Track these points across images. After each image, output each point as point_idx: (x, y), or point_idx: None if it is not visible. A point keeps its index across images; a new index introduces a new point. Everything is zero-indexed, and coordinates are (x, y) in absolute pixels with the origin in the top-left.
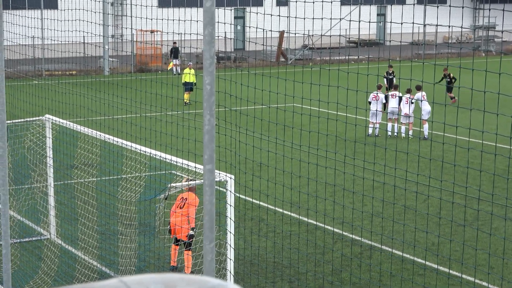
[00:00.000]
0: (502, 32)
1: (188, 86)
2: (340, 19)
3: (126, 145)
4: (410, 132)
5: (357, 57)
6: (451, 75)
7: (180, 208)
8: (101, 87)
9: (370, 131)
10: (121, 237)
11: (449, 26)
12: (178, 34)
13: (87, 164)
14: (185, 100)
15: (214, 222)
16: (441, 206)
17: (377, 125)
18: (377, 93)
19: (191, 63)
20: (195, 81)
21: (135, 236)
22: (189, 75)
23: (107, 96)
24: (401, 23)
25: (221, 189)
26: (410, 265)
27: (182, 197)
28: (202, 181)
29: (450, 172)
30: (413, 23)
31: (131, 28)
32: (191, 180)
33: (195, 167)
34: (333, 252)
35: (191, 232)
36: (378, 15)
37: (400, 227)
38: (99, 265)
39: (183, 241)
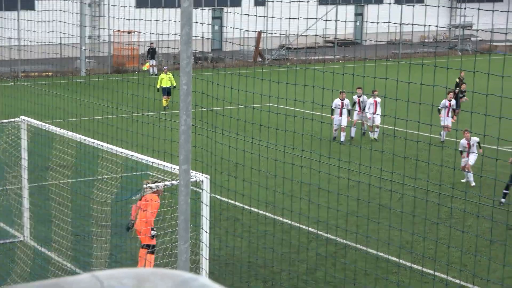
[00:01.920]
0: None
1: (166, 91)
2: (317, 19)
3: (102, 146)
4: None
5: (333, 56)
6: (464, 86)
7: (144, 210)
8: (77, 88)
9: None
10: (96, 238)
11: (424, 25)
12: (156, 34)
13: (62, 166)
14: (164, 105)
15: (189, 222)
16: (416, 204)
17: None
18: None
19: (166, 67)
20: (174, 84)
21: (110, 237)
22: (165, 80)
23: (84, 97)
24: (377, 23)
25: (197, 189)
26: (385, 263)
27: (146, 199)
28: (177, 181)
29: (425, 171)
30: (389, 22)
31: (108, 29)
32: (154, 182)
33: (171, 167)
34: (307, 251)
35: (153, 232)
36: (355, 14)
37: (374, 226)
38: (72, 267)
39: (147, 245)
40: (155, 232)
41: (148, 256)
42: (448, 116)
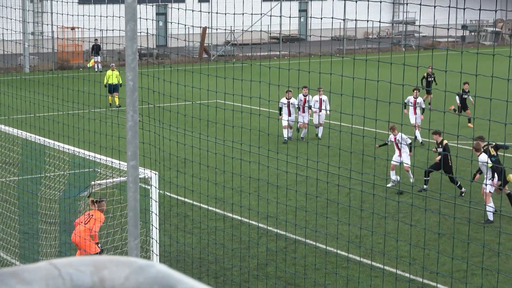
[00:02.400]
0: (419, 26)
1: (112, 88)
2: (262, 14)
3: (49, 143)
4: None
5: (279, 52)
6: (467, 86)
7: (85, 224)
8: (21, 85)
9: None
10: (43, 236)
11: (367, 21)
12: (100, 30)
13: (8, 163)
14: (110, 102)
15: (139, 219)
16: (363, 199)
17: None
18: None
19: (113, 64)
20: (120, 82)
21: (58, 234)
22: (111, 77)
23: (28, 94)
24: (321, 18)
25: (145, 186)
26: (334, 257)
27: (89, 214)
28: (126, 177)
29: (372, 166)
30: (332, 18)
31: (52, 25)
32: (99, 200)
33: (119, 163)
34: (258, 246)
35: (99, 249)
36: (299, 11)
37: (323, 221)
38: (21, 264)
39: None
40: (100, 248)
41: None
42: (415, 114)
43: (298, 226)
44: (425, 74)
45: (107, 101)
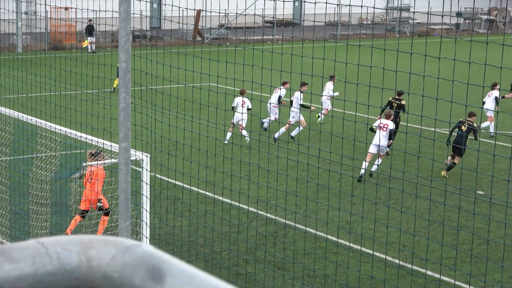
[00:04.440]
0: (413, 13)
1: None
2: None
3: (41, 123)
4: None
5: (272, 36)
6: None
7: (89, 181)
8: (14, 64)
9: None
10: (35, 216)
11: (361, 6)
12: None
13: (0, 143)
14: (114, 86)
15: (130, 201)
16: (354, 184)
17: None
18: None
19: None
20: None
21: (49, 215)
22: None
23: (21, 73)
24: (315, 3)
25: (137, 168)
26: (324, 243)
27: (91, 171)
28: (117, 159)
29: (363, 152)
30: (326, 2)
31: (45, 5)
32: (97, 153)
33: (110, 145)
34: (248, 230)
35: (99, 204)
36: None
37: (314, 206)
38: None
39: (86, 211)
40: (101, 204)
41: (104, 217)
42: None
43: (288, 210)
44: None
45: (105, 83)
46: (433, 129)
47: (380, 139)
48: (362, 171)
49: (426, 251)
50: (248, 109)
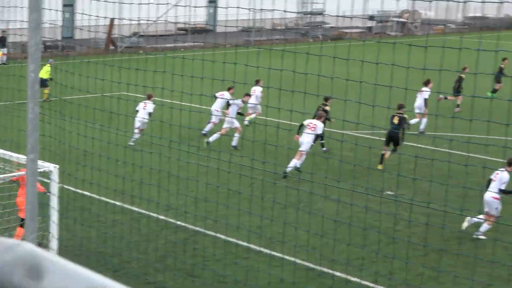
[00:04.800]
0: (323, 16)
1: (41, 82)
2: (169, 4)
3: None
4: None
5: (186, 44)
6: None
7: (22, 188)
8: None
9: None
10: None
11: (273, 10)
12: (6, 22)
13: None
14: (43, 97)
15: (37, 213)
16: (265, 189)
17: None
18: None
19: (51, 60)
20: (50, 77)
21: None
22: (42, 71)
23: None
24: (227, 8)
25: (45, 180)
26: (235, 248)
27: (23, 178)
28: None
29: (274, 155)
30: (238, 7)
31: None
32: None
33: (17, 157)
34: (158, 238)
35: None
36: (209, 1)
37: (224, 211)
38: None
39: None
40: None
41: (20, 229)
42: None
43: (199, 217)
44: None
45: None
46: (341, 131)
47: (304, 136)
48: (289, 169)
49: (332, 252)
50: (149, 113)
